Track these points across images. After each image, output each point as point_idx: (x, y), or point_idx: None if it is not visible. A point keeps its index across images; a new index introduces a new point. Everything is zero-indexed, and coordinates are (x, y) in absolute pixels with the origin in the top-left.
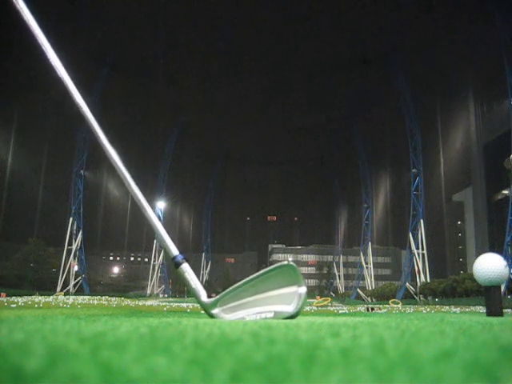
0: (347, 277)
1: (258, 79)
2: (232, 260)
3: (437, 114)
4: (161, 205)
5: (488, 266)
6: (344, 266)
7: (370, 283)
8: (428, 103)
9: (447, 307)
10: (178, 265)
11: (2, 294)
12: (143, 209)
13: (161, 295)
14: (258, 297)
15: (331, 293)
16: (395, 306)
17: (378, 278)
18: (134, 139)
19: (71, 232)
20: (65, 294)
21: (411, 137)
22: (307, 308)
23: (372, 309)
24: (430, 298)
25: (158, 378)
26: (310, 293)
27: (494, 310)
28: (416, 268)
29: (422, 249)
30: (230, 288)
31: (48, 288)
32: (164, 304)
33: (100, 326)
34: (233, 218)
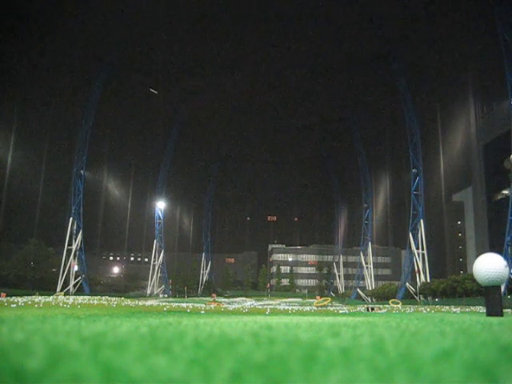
0: (347, 277)
1: (258, 79)
2: (232, 260)
3: (437, 114)
4: (161, 205)
5: (488, 266)
6: (344, 266)
7: (370, 283)
8: (428, 103)
9: (447, 307)
10: None
11: (2, 294)
12: None
13: (161, 295)
14: None
15: (331, 293)
16: (395, 305)
17: (378, 277)
18: (134, 139)
19: (71, 232)
20: (65, 294)
21: (411, 137)
22: (307, 308)
23: (372, 309)
24: (429, 298)
25: (159, 378)
26: (310, 293)
27: (494, 310)
28: (416, 268)
29: (422, 249)
30: None
31: (48, 288)
32: (164, 304)
33: (100, 326)
34: (233, 218)
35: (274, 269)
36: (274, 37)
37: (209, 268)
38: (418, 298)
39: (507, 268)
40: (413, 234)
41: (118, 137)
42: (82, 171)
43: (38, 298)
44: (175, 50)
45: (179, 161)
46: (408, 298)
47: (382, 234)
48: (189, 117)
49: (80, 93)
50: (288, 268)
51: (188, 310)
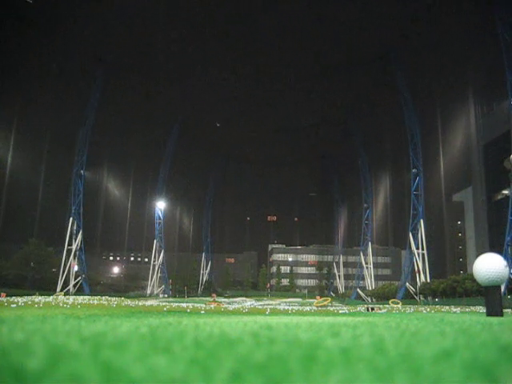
0: (347, 277)
1: (258, 79)
2: (232, 260)
3: (437, 114)
4: (161, 205)
5: (488, 266)
6: (344, 266)
7: (369, 283)
8: (428, 103)
9: (447, 307)
10: None
11: (2, 294)
12: None
13: (161, 295)
14: None
15: (331, 293)
16: (395, 305)
17: (378, 278)
18: (134, 139)
19: (71, 232)
20: (65, 294)
21: (411, 137)
22: (307, 308)
23: (372, 309)
24: (429, 297)
25: (159, 378)
26: (310, 293)
27: (494, 310)
28: (416, 268)
29: (422, 249)
30: None
31: (48, 288)
32: (164, 304)
33: (100, 326)
34: (233, 218)
35: (274, 269)
36: (274, 37)
37: (209, 268)
38: (417, 298)
39: (507, 268)
40: (413, 234)
41: (118, 137)
42: (82, 171)
43: (38, 298)
44: (175, 50)
45: (179, 161)
46: (408, 298)
47: (382, 233)
48: (189, 117)
49: (80, 93)
50: (288, 268)
51: (188, 310)
